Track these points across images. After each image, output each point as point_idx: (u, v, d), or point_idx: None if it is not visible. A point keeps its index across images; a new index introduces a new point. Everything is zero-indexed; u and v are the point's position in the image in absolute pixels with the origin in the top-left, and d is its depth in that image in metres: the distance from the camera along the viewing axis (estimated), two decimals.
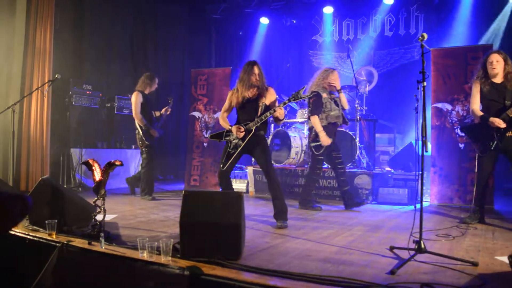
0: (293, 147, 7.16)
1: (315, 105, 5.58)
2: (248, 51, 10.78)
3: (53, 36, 7.13)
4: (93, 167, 3.73)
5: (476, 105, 4.65)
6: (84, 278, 3.23)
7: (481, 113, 4.57)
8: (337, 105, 5.67)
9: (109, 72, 8.80)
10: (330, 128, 5.61)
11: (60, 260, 3.35)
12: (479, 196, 4.75)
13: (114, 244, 3.39)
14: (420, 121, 3.16)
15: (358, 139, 6.90)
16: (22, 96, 6.63)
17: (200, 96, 8.20)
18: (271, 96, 4.69)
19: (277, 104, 4.68)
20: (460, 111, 6.28)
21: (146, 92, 6.66)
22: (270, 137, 7.54)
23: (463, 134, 6.14)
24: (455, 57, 6.43)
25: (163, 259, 2.94)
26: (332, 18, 9.99)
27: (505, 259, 2.85)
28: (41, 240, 3.60)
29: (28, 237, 3.70)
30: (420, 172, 3.31)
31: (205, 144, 8.08)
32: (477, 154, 4.68)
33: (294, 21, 10.26)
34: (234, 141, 4.63)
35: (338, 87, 5.76)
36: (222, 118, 4.87)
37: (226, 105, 4.86)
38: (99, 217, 3.69)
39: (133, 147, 8.54)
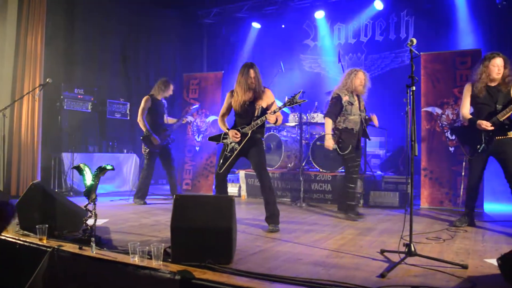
0: (285, 151, 7.18)
1: (331, 107, 5.33)
2: (240, 55, 10.79)
3: (44, 40, 7.11)
4: (84, 172, 3.72)
5: (465, 108, 4.68)
6: (75, 283, 3.22)
7: (470, 117, 4.61)
8: (361, 111, 5.36)
9: (101, 77, 8.78)
10: (348, 133, 5.28)
11: (51, 265, 3.33)
12: (468, 199, 4.80)
13: (105, 248, 3.38)
14: (409, 125, 3.18)
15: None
16: (13, 100, 6.60)
17: (192, 100, 8.21)
18: (268, 98, 4.68)
19: (274, 105, 4.67)
20: (450, 114, 6.34)
21: (159, 97, 6.70)
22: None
23: (453, 138, 6.19)
24: (444, 61, 6.49)
25: (154, 263, 2.94)
26: (323, 22, 10.03)
27: (494, 261, 2.88)
28: (31, 245, 3.58)
29: (19, 242, 3.68)
30: (410, 176, 3.34)
31: (197, 148, 8.09)
32: (466, 158, 4.72)
33: (283, 26, 10.29)
34: (231, 144, 4.66)
35: (360, 90, 5.35)
36: (221, 121, 4.86)
37: (224, 107, 4.84)
38: (90, 221, 3.68)
39: (125, 151, 8.52)
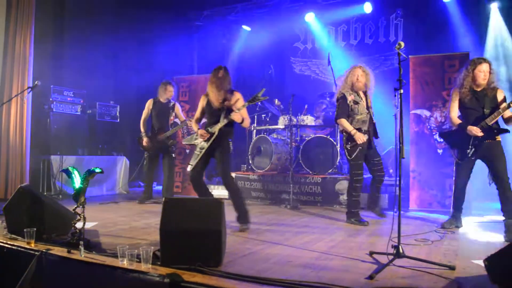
0: (275, 154, 7.19)
1: (340, 108, 5.19)
2: (231, 57, 10.81)
3: (33, 42, 7.06)
4: (73, 175, 3.70)
5: (454, 112, 4.72)
6: (64, 287, 3.20)
7: (459, 121, 4.64)
8: (367, 108, 5.22)
9: (90, 79, 8.73)
10: (364, 132, 5.17)
11: (39, 269, 3.31)
12: (456, 201, 4.84)
13: (93, 252, 3.36)
14: (398, 127, 3.21)
15: (339, 145, 6.96)
16: (1, 103, 6.55)
17: (182, 103, 8.19)
18: (235, 99, 4.79)
19: (243, 110, 4.77)
20: (438, 117, 6.39)
21: (162, 100, 6.85)
22: (252, 143, 7.57)
23: (441, 140, 6.24)
24: (433, 64, 6.55)
25: (143, 266, 2.93)
26: (313, 25, 10.08)
27: (481, 262, 2.91)
28: (19, 248, 3.56)
29: (6, 245, 3.65)
30: (399, 178, 3.37)
31: (187, 151, 8.07)
32: (455, 161, 4.76)
33: (271, 33, 10.32)
34: (200, 144, 4.80)
35: (359, 86, 5.20)
36: (194, 123, 5.04)
37: (198, 111, 5.02)
38: (79, 225, 3.66)
39: (115, 153, 8.49)
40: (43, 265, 3.31)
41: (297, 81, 10.11)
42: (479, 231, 4.70)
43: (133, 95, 9.62)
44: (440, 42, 8.43)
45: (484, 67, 4.50)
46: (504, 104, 4.35)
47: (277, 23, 10.23)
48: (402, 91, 3.29)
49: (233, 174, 7.50)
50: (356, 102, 5.16)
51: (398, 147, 3.18)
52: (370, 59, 9.41)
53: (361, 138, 5.02)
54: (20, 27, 6.92)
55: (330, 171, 6.84)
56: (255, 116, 8.05)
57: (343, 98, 5.19)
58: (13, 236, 3.86)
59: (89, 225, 4.60)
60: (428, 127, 6.47)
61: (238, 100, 4.80)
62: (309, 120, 7.71)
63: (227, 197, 7.41)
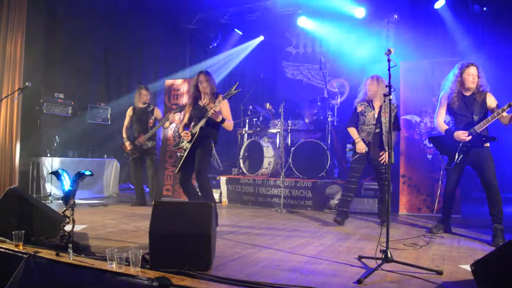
0: (266, 157, 7.21)
1: (350, 117, 5.53)
2: (222, 61, 10.82)
3: (24, 44, 7.01)
4: (62, 177, 3.68)
5: (441, 117, 4.75)
6: None
7: (446, 126, 4.67)
8: (377, 121, 5.30)
9: (82, 81, 8.71)
10: (367, 143, 5.34)
11: (27, 272, 3.29)
12: (445, 206, 4.88)
13: (82, 255, 3.35)
14: (386, 133, 3.24)
15: (329, 149, 6.99)
16: None
17: (174, 106, 8.19)
18: (219, 103, 4.80)
19: (225, 110, 4.86)
20: (428, 122, 6.45)
21: (140, 105, 7.02)
22: (243, 147, 7.58)
23: (431, 145, 6.29)
24: (423, 70, 6.61)
25: (132, 270, 2.92)
26: (305, 30, 10.12)
27: (468, 267, 2.94)
28: (7, 251, 3.53)
29: None
30: (388, 182, 3.40)
31: (178, 154, 8.06)
32: (443, 166, 4.80)
33: (263, 38, 10.36)
34: (185, 145, 4.85)
35: (370, 96, 5.38)
36: (181, 127, 5.11)
37: (186, 117, 5.06)
38: (68, 227, 3.65)
39: (106, 156, 8.46)
40: (31, 268, 3.29)
41: (289, 86, 10.14)
42: (468, 236, 4.73)
43: (124, 97, 9.59)
44: (431, 48, 8.50)
45: (472, 70, 4.51)
46: (493, 114, 4.36)
47: (269, 27, 10.27)
48: (391, 97, 3.32)
49: (224, 178, 7.52)
50: (363, 113, 5.36)
51: (387, 152, 3.21)
52: (361, 64, 9.45)
53: (359, 148, 5.29)
54: (12, 29, 6.87)
55: (320, 175, 6.87)
56: (247, 120, 8.07)
57: (354, 109, 5.50)
58: (1, 238, 3.82)
59: (78, 227, 4.58)
60: (418, 132, 6.53)
61: (223, 104, 4.85)
62: (300, 124, 7.74)
63: (217, 200, 7.51)
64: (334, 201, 6.52)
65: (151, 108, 7.04)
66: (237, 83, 4.71)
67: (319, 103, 7.78)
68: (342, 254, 3.71)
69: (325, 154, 6.88)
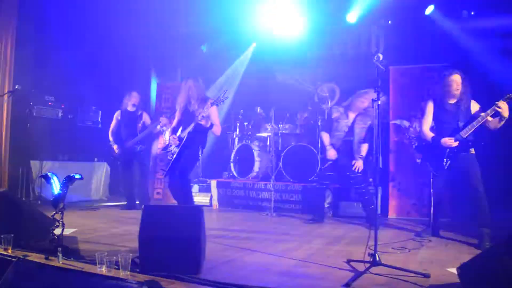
0: (256, 161, 7.23)
1: (325, 122, 5.86)
2: (214, 65, 10.82)
3: (14, 46, 7.00)
4: (52, 181, 3.68)
5: (426, 125, 4.79)
6: None
7: (431, 134, 4.72)
8: (350, 129, 5.59)
9: (72, 84, 8.66)
10: (336, 149, 5.63)
11: (16, 275, 3.27)
12: (434, 210, 4.93)
13: (72, 258, 3.34)
14: (375, 138, 3.28)
15: (320, 154, 7.02)
16: None
17: (165, 109, 8.19)
18: (208, 108, 4.81)
19: (213, 115, 4.87)
20: (417, 127, 6.49)
21: (129, 108, 7.03)
22: (234, 150, 7.59)
23: (418, 153, 6.35)
24: (413, 75, 6.69)
25: (121, 273, 2.93)
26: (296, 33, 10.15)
27: (455, 270, 2.98)
28: None
29: None
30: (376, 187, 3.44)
31: (169, 158, 8.05)
32: (432, 173, 4.85)
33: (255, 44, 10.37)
34: (173, 149, 4.86)
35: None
36: (169, 130, 5.18)
37: (175, 121, 5.10)
38: (57, 231, 3.64)
39: (96, 159, 8.43)
40: (20, 271, 3.27)
41: (280, 90, 10.15)
42: (455, 239, 4.78)
43: (115, 100, 9.56)
44: (421, 54, 8.58)
45: (454, 77, 4.57)
46: (478, 119, 4.42)
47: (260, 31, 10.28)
48: (380, 102, 3.36)
49: (215, 181, 7.53)
50: (337, 120, 5.59)
51: (375, 157, 3.25)
52: (352, 69, 9.51)
53: (330, 155, 5.60)
54: (2, 32, 6.85)
55: (311, 179, 6.89)
56: (237, 124, 8.08)
57: (330, 113, 5.76)
58: None
59: (68, 231, 4.56)
60: (408, 137, 6.58)
61: (211, 109, 4.86)
62: (291, 128, 7.78)
63: (208, 203, 7.52)
64: (325, 205, 6.54)
65: (139, 113, 7.04)
66: (226, 90, 4.75)
67: (309, 107, 7.82)
68: (331, 258, 3.74)
69: (315, 158, 6.91)
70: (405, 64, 7.31)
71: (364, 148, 5.58)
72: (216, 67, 10.66)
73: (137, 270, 3.03)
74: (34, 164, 7.22)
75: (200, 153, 4.88)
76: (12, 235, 3.59)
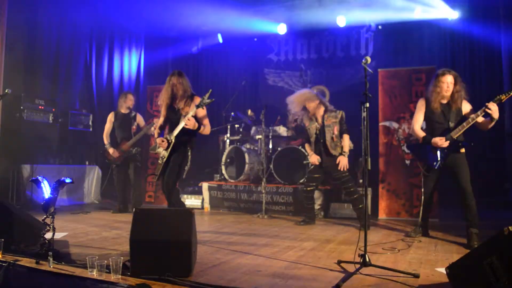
0: (247, 164, 7.25)
1: (303, 135, 6.21)
2: (204, 67, 10.85)
3: (4, 50, 6.96)
4: (42, 184, 3.68)
5: (417, 124, 4.83)
6: None
7: (423, 133, 4.76)
8: (320, 131, 5.77)
9: (63, 87, 8.64)
10: (317, 153, 5.82)
11: (7, 280, 3.27)
12: (423, 210, 4.98)
13: (63, 263, 3.34)
14: (364, 140, 3.31)
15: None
16: None
17: (156, 112, 8.19)
18: (194, 104, 4.64)
19: (202, 112, 4.71)
20: (406, 129, 6.58)
21: (123, 110, 7.02)
22: (225, 153, 7.61)
23: (408, 151, 6.42)
24: (401, 78, 6.75)
25: (112, 277, 2.93)
26: (286, 37, 10.22)
27: (444, 270, 3.02)
28: None
29: None
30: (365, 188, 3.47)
31: (159, 161, 8.05)
32: (422, 172, 4.89)
33: (256, 39, 10.39)
34: (162, 152, 4.74)
35: (310, 110, 5.92)
36: (156, 129, 4.97)
37: (161, 120, 4.89)
38: (48, 235, 3.63)
39: (87, 163, 8.40)
40: (11, 276, 3.27)
41: (271, 92, 10.21)
42: (445, 239, 4.83)
43: (106, 104, 9.56)
44: (409, 56, 8.67)
45: (446, 78, 4.58)
46: (468, 120, 4.47)
47: (251, 33, 10.32)
48: (368, 104, 3.40)
49: (206, 184, 7.53)
50: (308, 127, 5.88)
51: (364, 158, 3.28)
52: (341, 72, 9.60)
53: (312, 161, 5.83)
54: None
55: (301, 181, 6.92)
56: (229, 126, 8.11)
57: (303, 125, 6.10)
58: None
59: (59, 235, 4.56)
60: (397, 138, 6.65)
61: (194, 111, 4.65)
62: (281, 130, 7.81)
63: (199, 206, 7.53)
64: (316, 207, 6.58)
65: (133, 115, 7.05)
66: (210, 90, 4.54)
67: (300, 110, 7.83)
68: (322, 259, 3.77)
69: (306, 160, 6.94)
70: (394, 66, 7.39)
71: (345, 141, 5.69)
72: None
73: (128, 273, 3.04)
74: (25, 168, 7.18)
75: (189, 154, 4.75)
76: (2, 239, 3.58)
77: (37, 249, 3.66)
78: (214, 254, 3.95)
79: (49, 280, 3.14)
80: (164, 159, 4.70)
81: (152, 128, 6.92)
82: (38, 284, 3.19)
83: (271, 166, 7.07)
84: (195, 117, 4.60)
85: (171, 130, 4.71)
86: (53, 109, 7.90)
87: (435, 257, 3.91)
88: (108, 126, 7.05)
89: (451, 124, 4.59)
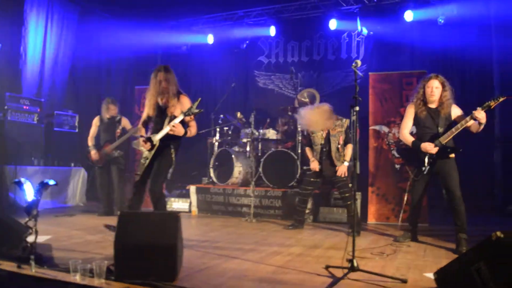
0: (236, 167, 7.20)
1: (305, 137, 6.13)
2: (194, 68, 10.78)
3: None
4: (25, 186, 3.59)
5: (406, 129, 4.82)
6: None
7: (412, 138, 4.74)
8: (326, 140, 5.64)
9: (49, 88, 8.53)
10: (319, 161, 5.71)
11: None
12: (412, 215, 4.97)
13: (45, 267, 3.26)
14: (353, 144, 3.28)
15: (299, 159, 7.02)
16: None
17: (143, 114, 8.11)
18: (183, 106, 4.47)
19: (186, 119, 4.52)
20: (396, 133, 6.57)
21: (107, 116, 6.95)
22: (214, 156, 7.55)
23: (398, 156, 6.41)
24: (391, 82, 6.75)
25: (96, 281, 2.87)
26: (277, 40, 10.22)
27: (432, 275, 2.99)
28: None
29: None
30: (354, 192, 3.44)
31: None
32: (411, 177, 4.88)
33: (245, 45, 10.37)
34: (145, 152, 4.58)
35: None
36: (140, 129, 4.82)
37: (144, 116, 4.72)
38: (30, 238, 3.54)
39: (72, 164, 8.29)
40: None
41: (261, 95, 10.19)
42: (434, 244, 4.82)
43: (93, 105, 9.46)
44: (400, 60, 8.69)
45: (432, 83, 4.59)
46: (457, 125, 4.46)
47: (242, 36, 10.30)
48: (358, 108, 3.37)
49: (194, 187, 7.46)
50: (312, 133, 5.73)
51: (353, 162, 3.25)
52: (331, 75, 9.61)
53: (313, 167, 5.70)
54: None
55: (290, 184, 6.89)
56: (218, 129, 8.05)
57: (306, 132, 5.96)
58: None
59: (42, 238, 4.46)
60: (387, 142, 6.64)
61: (186, 105, 4.46)
62: (271, 133, 7.77)
63: (187, 209, 7.45)
64: (305, 210, 6.53)
65: (118, 118, 6.99)
66: (199, 99, 4.31)
67: (289, 113, 7.83)
68: (310, 264, 3.72)
69: (295, 163, 6.91)
70: (384, 70, 7.40)
71: (348, 151, 5.61)
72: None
73: (112, 278, 2.97)
74: (8, 170, 7.04)
75: (173, 156, 4.60)
76: None
77: (19, 253, 3.55)
78: (200, 258, 3.89)
79: (31, 284, 3.07)
80: (147, 161, 4.55)
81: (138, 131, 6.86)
82: None
83: (260, 169, 7.02)
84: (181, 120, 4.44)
85: (156, 130, 4.54)
86: (38, 110, 7.79)
87: (424, 262, 3.89)
88: (93, 130, 7.01)
89: (440, 130, 4.58)
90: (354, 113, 3.36)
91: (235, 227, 5.95)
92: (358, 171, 3.23)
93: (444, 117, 4.60)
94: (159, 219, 3.20)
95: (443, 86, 4.59)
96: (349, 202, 5.53)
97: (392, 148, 6.59)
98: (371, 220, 6.56)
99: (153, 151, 4.51)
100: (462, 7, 8.05)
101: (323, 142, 5.64)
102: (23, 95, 7.77)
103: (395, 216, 6.47)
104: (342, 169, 5.54)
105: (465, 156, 4.92)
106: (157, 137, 4.47)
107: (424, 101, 4.68)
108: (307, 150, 5.87)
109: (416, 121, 4.77)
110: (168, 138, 4.46)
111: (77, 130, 8.52)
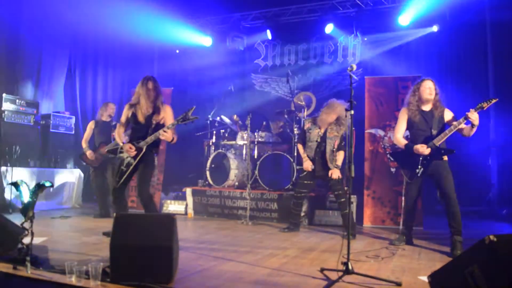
0: (232, 169, 7.21)
1: (299, 134, 6.02)
2: (190, 71, 10.79)
3: None
4: (21, 188, 3.59)
5: (400, 133, 4.87)
6: None
7: (405, 141, 4.79)
8: (322, 139, 5.62)
9: (45, 90, 8.53)
10: (311, 159, 5.68)
11: None
12: (406, 218, 4.99)
13: (41, 268, 3.27)
14: (348, 147, 3.31)
15: (296, 162, 7.04)
16: None
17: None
18: (166, 114, 4.67)
19: (168, 119, 4.69)
20: (392, 136, 6.60)
21: (104, 118, 7.01)
22: (210, 159, 7.56)
23: (392, 159, 6.44)
24: (387, 85, 6.79)
25: (91, 283, 2.87)
26: (273, 43, 10.26)
27: (426, 278, 3.01)
28: None
29: None
30: (349, 195, 3.46)
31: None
32: (405, 180, 4.91)
33: (242, 48, 10.40)
34: (127, 159, 4.65)
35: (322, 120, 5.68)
36: (118, 134, 4.86)
37: (123, 119, 4.81)
38: (26, 240, 3.54)
39: (68, 166, 8.28)
40: None
41: (257, 97, 10.22)
42: (428, 247, 4.85)
43: (89, 106, 9.46)
44: (396, 64, 8.74)
45: (427, 83, 4.69)
46: (450, 127, 4.52)
47: (239, 39, 10.34)
48: (353, 112, 3.39)
49: (190, 189, 7.47)
50: (309, 130, 5.70)
51: (348, 165, 3.28)
52: (327, 78, 9.65)
53: (306, 166, 5.67)
54: None
55: (286, 187, 6.90)
56: (214, 132, 8.07)
57: (303, 124, 5.90)
58: None
59: (38, 240, 4.46)
60: (382, 146, 6.67)
61: (168, 115, 4.69)
62: (267, 136, 7.79)
63: (183, 212, 7.45)
64: (300, 213, 6.55)
65: (114, 123, 7.01)
66: (194, 107, 4.46)
67: (286, 116, 7.85)
68: (305, 267, 3.74)
69: (291, 166, 6.94)
70: (380, 74, 7.44)
71: (340, 157, 5.63)
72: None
73: (108, 279, 2.98)
74: (4, 171, 7.03)
75: (156, 161, 4.72)
76: None
77: (15, 254, 3.56)
78: (196, 260, 3.90)
79: (27, 285, 3.07)
80: (131, 168, 4.60)
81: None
82: None
83: (256, 172, 7.04)
84: (163, 125, 4.59)
85: (137, 137, 4.65)
86: (35, 111, 7.78)
87: (418, 265, 3.91)
88: (87, 133, 7.02)
89: (434, 132, 4.64)
90: (349, 116, 3.38)
91: (231, 229, 5.96)
92: (353, 174, 3.25)
93: (437, 119, 4.67)
94: (155, 221, 3.21)
95: (435, 88, 4.69)
96: (342, 200, 5.56)
97: (387, 152, 6.62)
98: (367, 223, 6.58)
99: (138, 157, 4.59)
100: (456, 12, 8.13)
101: (319, 140, 5.65)
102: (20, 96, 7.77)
103: (390, 219, 6.49)
104: (336, 173, 5.55)
105: (460, 160, 4.97)
106: (144, 143, 4.56)
107: (418, 104, 4.73)
108: (299, 147, 5.89)
109: (410, 124, 4.82)
110: (151, 144, 4.61)
111: (73, 132, 8.51)
